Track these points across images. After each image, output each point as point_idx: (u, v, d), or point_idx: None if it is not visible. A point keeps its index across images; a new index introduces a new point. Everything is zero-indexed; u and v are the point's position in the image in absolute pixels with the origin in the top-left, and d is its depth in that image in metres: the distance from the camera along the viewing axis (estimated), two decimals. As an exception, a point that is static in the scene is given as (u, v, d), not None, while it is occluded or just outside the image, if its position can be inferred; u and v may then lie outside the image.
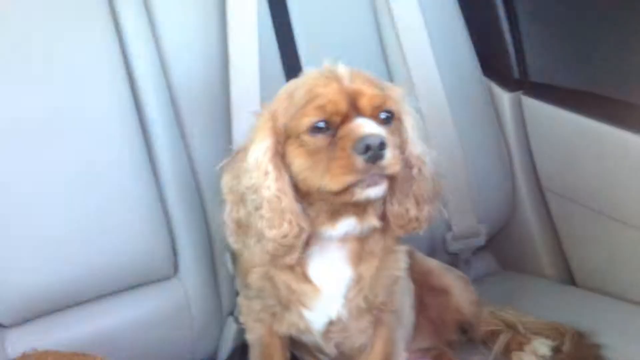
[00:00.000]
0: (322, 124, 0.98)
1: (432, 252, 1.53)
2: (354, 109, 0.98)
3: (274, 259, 1.04)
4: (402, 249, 1.13)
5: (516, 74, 1.64)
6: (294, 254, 1.03)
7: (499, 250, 1.72)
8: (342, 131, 0.97)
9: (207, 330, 1.38)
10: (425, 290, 1.34)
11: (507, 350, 1.30)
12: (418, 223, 1.07)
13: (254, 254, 1.06)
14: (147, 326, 1.30)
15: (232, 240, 1.06)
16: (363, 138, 0.94)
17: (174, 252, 1.35)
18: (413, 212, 1.06)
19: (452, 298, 1.33)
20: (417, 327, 1.32)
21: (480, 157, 1.59)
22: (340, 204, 1.01)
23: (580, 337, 1.31)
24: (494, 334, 1.33)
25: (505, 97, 1.63)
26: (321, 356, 1.21)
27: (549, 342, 1.29)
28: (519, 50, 1.63)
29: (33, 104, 1.24)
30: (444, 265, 1.40)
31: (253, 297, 1.16)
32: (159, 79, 1.36)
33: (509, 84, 1.64)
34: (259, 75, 1.34)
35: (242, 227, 1.04)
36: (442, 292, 1.34)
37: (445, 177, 1.13)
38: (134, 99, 1.34)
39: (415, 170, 1.06)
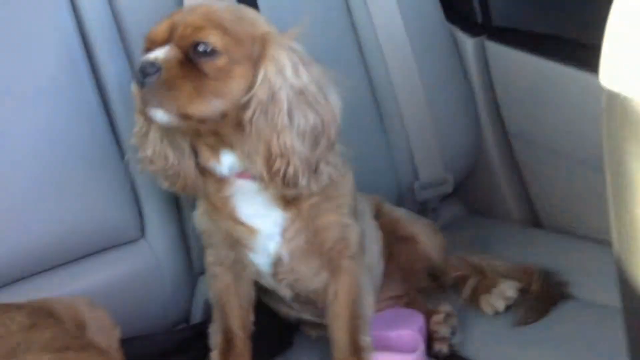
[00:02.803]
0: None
1: (400, 202, 1.54)
2: (171, 37, 0.99)
3: (173, 187, 1.11)
4: (344, 193, 1.10)
5: (479, 18, 1.63)
6: (185, 183, 1.09)
7: (466, 197, 1.73)
8: None
9: (178, 290, 1.37)
10: (394, 239, 1.35)
11: (475, 294, 1.32)
12: (276, 179, 0.98)
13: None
14: (117, 290, 1.29)
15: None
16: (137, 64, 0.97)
17: (140, 214, 1.33)
18: (259, 166, 0.99)
19: (420, 246, 1.35)
20: (387, 276, 1.33)
21: (445, 105, 1.58)
22: (195, 136, 1.04)
23: (547, 276, 1.34)
24: (462, 279, 1.36)
25: (468, 43, 1.61)
26: (293, 305, 1.23)
27: (516, 284, 1.32)
28: (482, -7, 1.62)
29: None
30: (411, 214, 1.41)
31: (207, 247, 1.17)
32: (112, 35, 1.31)
33: (472, 28, 1.62)
34: None
35: None
36: (410, 240, 1.35)
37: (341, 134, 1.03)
38: (89, 60, 1.29)
39: (248, 113, 0.97)
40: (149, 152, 1.08)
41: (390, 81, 1.52)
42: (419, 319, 1.26)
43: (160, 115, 0.98)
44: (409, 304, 1.33)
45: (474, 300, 1.32)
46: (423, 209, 1.59)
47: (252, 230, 1.08)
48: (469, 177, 1.68)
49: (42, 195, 1.22)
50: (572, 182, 1.50)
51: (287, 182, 0.99)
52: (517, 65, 1.53)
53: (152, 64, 0.95)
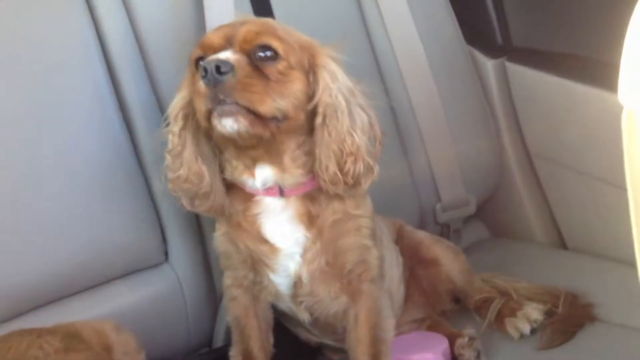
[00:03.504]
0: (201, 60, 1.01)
1: (421, 224, 1.53)
2: (229, 44, 1.01)
3: (192, 203, 1.11)
4: (364, 215, 1.11)
5: (499, 40, 1.63)
6: (213, 202, 1.09)
7: (489, 218, 1.72)
8: None
9: (201, 314, 1.38)
10: (416, 262, 1.35)
11: (500, 317, 1.30)
12: (347, 178, 1.04)
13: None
14: (141, 314, 1.30)
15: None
16: (204, 62, 0.97)
17: (164, 238, 1.35)
18: (332, 167, 1.03)
19: (443, 268, 1.34)
20: (410, 299, 1.33)
21: (467, 126, 1.58)
22: (245, 148, 1.04)
23: (573, 298, 1.32)
24: (487, 302, 1.34)
25: (489, 64, 1.62)
26: (312, 330, 1.22)
27: (541, 307, 1.30)
28: (501, 15, 1.62)
29: (4, 97, 1.21)
30: (433, 237, 1.41)
31: (225, 269, 1.17)
32: (135, 59, 1.34)
33: (492, 50, 1.63)
34: None
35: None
36: (433, 263, 1.34)
37: (387, 134, 1.12)
38: (112, 84, 1.32)
39: (319, 119, 1.04)
40: (182, 171, 1.09)
41: (410, 102, 1.52)
42: (443, 343, 1.24)
43: (232, 122, 0.97)
44: (433, 327, 1.32)
45: (498, 323, 1.30)
46: (445, 231, 1.58)
47: (274, 249, 1.09)
48: (492, 198, 1.67)
49: (68, 221, 1.24)
50: (597, 201, 1.48)
51: (356, 179, 1.04)
52: (538, 86, 1.53)
53: (226, 62, 0.96)
